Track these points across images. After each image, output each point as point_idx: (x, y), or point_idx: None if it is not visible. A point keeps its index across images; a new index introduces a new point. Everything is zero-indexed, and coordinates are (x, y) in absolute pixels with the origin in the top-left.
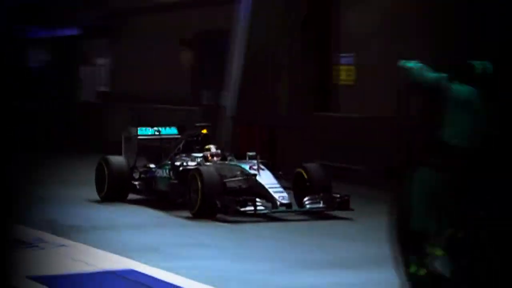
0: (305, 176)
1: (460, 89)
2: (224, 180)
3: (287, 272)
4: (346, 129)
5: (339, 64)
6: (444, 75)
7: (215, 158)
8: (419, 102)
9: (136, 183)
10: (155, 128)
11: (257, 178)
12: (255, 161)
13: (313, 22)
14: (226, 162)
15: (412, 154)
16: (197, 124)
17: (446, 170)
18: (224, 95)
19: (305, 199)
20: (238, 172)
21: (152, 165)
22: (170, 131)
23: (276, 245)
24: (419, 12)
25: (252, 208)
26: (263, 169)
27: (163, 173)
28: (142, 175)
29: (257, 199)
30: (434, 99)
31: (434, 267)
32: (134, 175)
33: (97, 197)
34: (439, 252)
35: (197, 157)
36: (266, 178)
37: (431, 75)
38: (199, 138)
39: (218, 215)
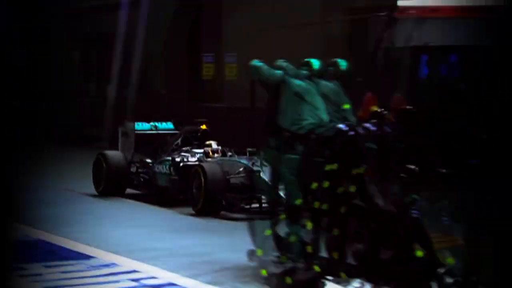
0: None
1: (297, 83)
2: (227, 177)
3: (165, 236)
4: (229, 117)
5: (224, 62)
6: (282, 71)
7: (215, 154)
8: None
9: (134, 177)
10: (152, 123)
11: (261, 174)
12: (256, 157)
13: (199, 26)
14: (227, 158)
15: (262, 137)
16: (197, 120)
17: (280, 150)
18: (109, 89)
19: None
20: (241, 169)
21: (148, 160)
22: (167, 126)
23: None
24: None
25: (257, 205)
26: (265, 166)
27: (163, 168)
28: (140, 170)
29: (262, 196)
30: (276, 92)
31: (299, 234)
32: (131, 169)
33: None
34: (284, 216)
35: (198, 153)
36: (270, 175)
37: (273, 71)
38: (198, 134)
39: (222, 212)
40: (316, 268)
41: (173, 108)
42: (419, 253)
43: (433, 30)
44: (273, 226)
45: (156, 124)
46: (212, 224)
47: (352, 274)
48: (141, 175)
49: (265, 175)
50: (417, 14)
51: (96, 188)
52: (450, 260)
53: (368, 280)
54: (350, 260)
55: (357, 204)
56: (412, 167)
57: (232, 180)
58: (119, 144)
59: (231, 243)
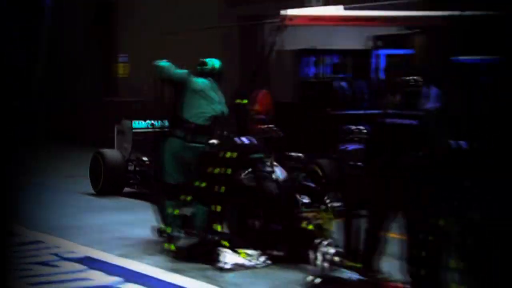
0: (320, 173)
1: (197, 81)
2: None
3: (94, 213)
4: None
5: (119, 62)
6: (186, 70)
7: None
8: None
9: (131, 176)
10: (149, 121)
11: (273, 175)
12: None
13: (98, 29)
14: None
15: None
16: None
17: (185, 139)
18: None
19: (326, 197)
20: (250, 169)
21: (145, 158)
22: (164, 124)
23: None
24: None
25: None
26: (276, 166)
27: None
28: (137, 169)
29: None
30: (178, 88)
31: (183, 209)
32: (129, 168)
33: None
34: (188, 198)
35: None
36: (282, 176)
37: (176, 71)
38: None
39: None
40: (224, 243)
41: (89, 104)
42: (310, 227)
43: (316, 36)
44: (177, 205)
45: (153, 122)
46: (128, 203)
47: (245, 245)
48: (141, 174)
49: (278, 177)
50: (303, 21)
51: (94, 187)
52: (326, 233)
53: (257, 249)
54: (243, 233)
55: (245, 185)
56: (300, 155)
57: (244, 181)
58: (115, 143)
59: (142, 220)
